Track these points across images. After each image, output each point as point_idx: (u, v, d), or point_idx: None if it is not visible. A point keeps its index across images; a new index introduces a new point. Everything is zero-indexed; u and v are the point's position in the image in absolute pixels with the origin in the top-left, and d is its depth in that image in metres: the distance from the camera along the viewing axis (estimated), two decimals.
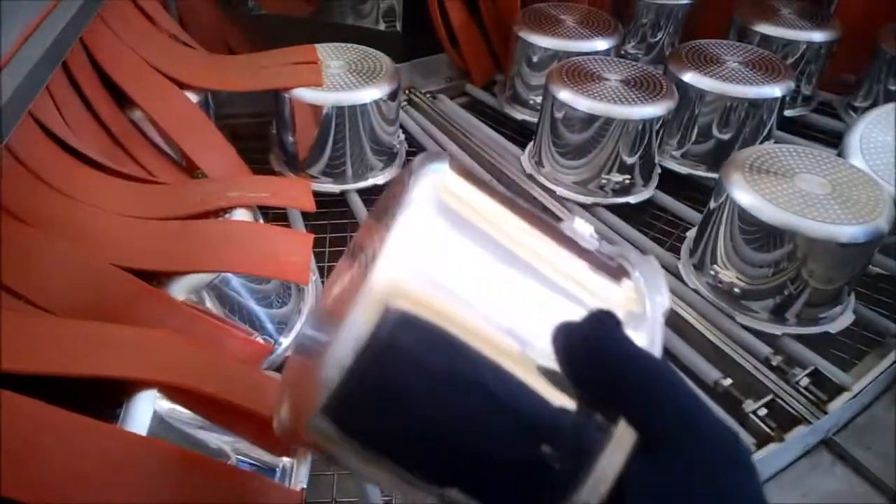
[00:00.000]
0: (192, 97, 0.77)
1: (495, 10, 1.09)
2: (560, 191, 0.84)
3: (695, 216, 0.82)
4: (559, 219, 0.80)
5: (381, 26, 1.15)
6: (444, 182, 0.23)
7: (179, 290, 0.55)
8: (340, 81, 0.82)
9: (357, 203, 0.84)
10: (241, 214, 0.62)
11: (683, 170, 0.90)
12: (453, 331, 0.21)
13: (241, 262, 0.57)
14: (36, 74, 0.55)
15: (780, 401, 0.60)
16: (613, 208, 0.84)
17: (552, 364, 0.22)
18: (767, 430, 0.58)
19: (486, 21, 1.09)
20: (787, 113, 0.99)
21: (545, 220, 0.26)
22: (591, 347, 0.22)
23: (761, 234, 0.64)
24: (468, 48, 1.09)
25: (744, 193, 0.66)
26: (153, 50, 0.78)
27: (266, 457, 0.47)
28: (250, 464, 0.46)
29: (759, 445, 0.57)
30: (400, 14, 1.13)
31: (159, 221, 0.59)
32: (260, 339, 0.59)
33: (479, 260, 0.23)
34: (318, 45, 0.88)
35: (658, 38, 1.14)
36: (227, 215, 0.62)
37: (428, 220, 0.22)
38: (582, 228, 0.27)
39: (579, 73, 0.83)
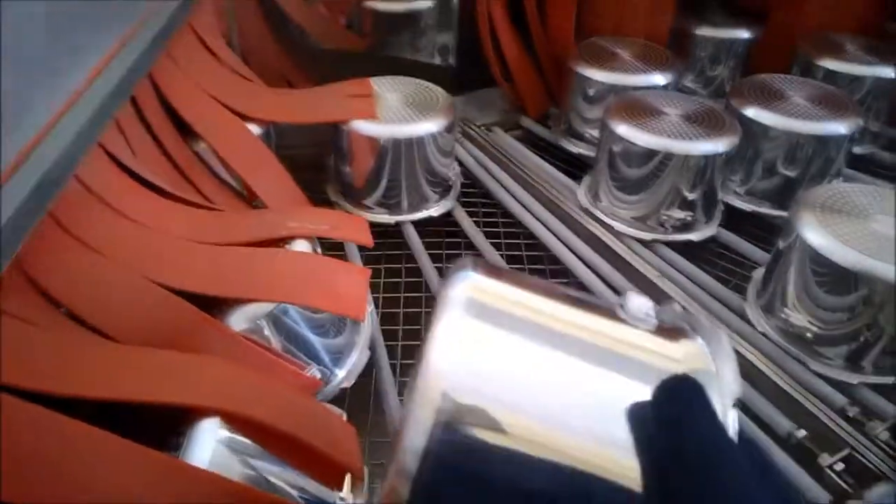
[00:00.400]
0: (255, 129, 0.78)
1: (549, 44, 1.09)
2: (618, 226, 0.83)
3: (760, 255, 0.79)
4: (615, 254, 0.78)
5: (437, 60, 1.16)
6: (474, 283, 0.24)
7: (240, 317, 0.55)
8: (398, 114, 0.82)
9: (412, 234, 0.84)
10: (301, 245, 0.62)
11: (748, 207, 0.88)
12: (505, 437, 0.21)
13: (299, 294, 0.57)
14: (106, 107, 0.58)
15: (857, 455, 0.56)
16: (674, 245, 0.81)
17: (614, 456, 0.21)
18: (845, 486, 0.54)
19: (540, 55, 1.09)
20: (855, 150, 0.96)
21: (591, 302, 0.26)
22: (669, 432, 0.20)
23: (834, 277, 0.62)
24: (522, 81, 1.09)
25: (815, 234, 0.63)
26: (216, 84, 0.80)
27: (322, 492, 0.46)
28: (305, 498, 0.46)
29: (837, 503, 0.54)
30: (454, 49, 1.14)
31: (221, 247, 0.60)
32: (315, 371, 0.59)
33: (521, 356, 0.23)
34: (375, 79, 0.89)
35: (717, 72, 1.12)
36: (287, 245, 0.62)
37: (462, 325, 0.23)
38: (636, 306, 0.26)
39: (638, 108, 0.82)
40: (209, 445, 0.39)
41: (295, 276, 0.58)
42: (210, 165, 0.75)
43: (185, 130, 0.74)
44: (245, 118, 0.78)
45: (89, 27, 0.60)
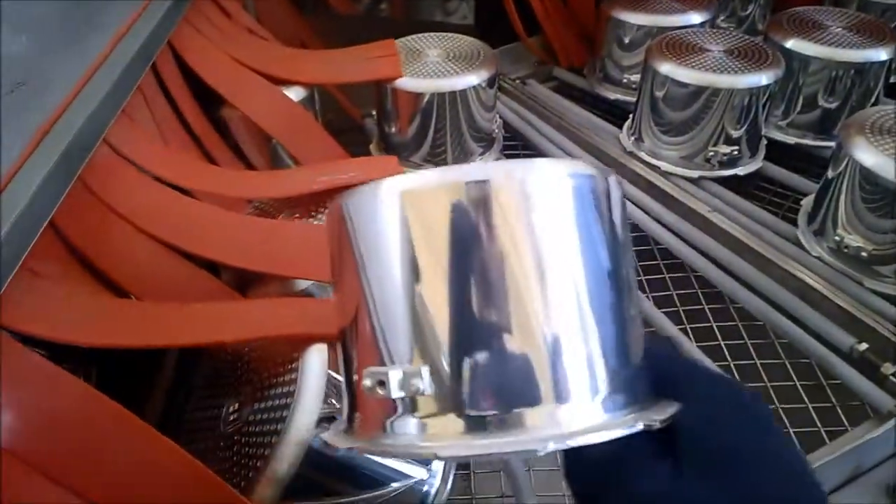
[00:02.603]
0: (297, 94, 0.78)
1: None
2: (664, 166, 0.84)
3: (805, 184, 0.80)
4: (665, 194, 0.80)
5: (457, 20, 1.16)
6: None
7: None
8: (440, 69, 0.83)
9: None
10: None
11: (790, 139, 0.89)
12: None
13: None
14: (129, 74, 0.58)
15: None
16: (721, 181, 0.83)
17: None
18: None
19: (568, 2, 1.09)
20: (893, 79, 0.95)
21: None
22: None
23: (886, 195, 0.63)
24: (552, 31, 1.09)
25: (866, 154, 0.64)
26: (238, 47, 0.80)
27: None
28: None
29: None
30: (472, 6, 1.14)
31: (247, 217, 0.61)
32: None
33: None
34: (416, 36, 0.90)
35: (749, 10, 1.12)
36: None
37: None
38: None
39: (680, 46, 0.83)
40: (320, 366, 0.41)
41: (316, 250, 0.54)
42: (235, 134, 0.75)
43: (214, 99, 0.73)
44: (274, 81, 0.77)
45: None
